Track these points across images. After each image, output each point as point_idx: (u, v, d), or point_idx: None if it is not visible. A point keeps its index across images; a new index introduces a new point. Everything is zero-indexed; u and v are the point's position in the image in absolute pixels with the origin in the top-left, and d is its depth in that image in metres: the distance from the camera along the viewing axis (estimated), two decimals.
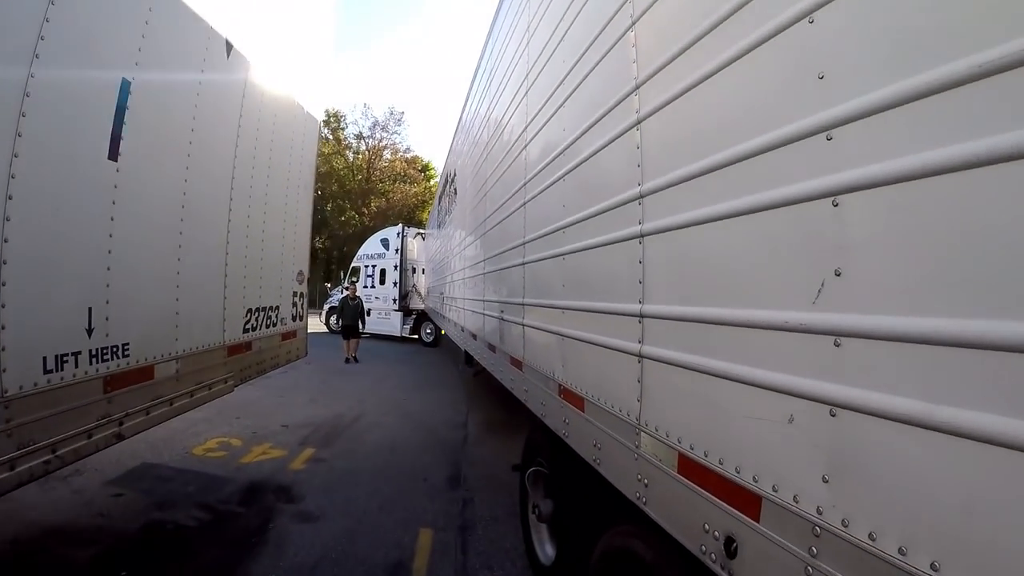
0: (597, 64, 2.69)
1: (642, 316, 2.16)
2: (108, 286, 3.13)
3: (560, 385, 3.16)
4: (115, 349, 3.21)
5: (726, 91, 1.69)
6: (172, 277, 3.80)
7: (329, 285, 26.12)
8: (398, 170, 44.22)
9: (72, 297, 2.90)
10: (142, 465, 5.77)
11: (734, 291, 1.61)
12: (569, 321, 3.05)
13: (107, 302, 3.12)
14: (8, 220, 2.42)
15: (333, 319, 20.07)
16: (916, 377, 1.07)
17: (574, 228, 2.98)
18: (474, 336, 6.85)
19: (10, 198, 2.42)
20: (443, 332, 14.83)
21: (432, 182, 42.53)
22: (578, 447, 2.87)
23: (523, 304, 4.07)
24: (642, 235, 2.18)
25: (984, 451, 0.94)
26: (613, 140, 2.47)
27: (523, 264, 4.09)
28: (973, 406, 0.96)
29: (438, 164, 39.12)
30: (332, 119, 43.27)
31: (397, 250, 19.87)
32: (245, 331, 4.90)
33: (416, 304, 19.85)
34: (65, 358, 2.83)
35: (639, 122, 2.21)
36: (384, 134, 45.05)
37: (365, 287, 19.86)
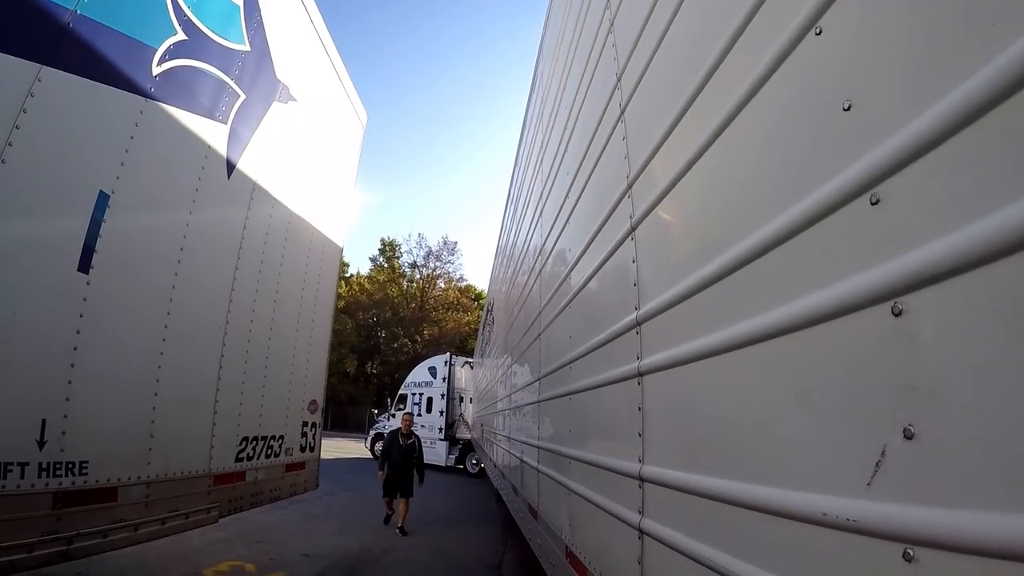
0: (594, 168, 2.47)
1: (642, 480, 1.73)
2: (68, 400, 2.84)
3: (566, 547, 2.74)
4: (70, 465, 2.88)
5: (720, 171, 1.35)
6: (148, 397, 3.48)
7: (376, 411, 25.66)
8: (451, 299, 44.96)
9: (23, 406, 2.62)
10: None
11: (751, 457, 1.13)
12: (575, 474, 2.64)
13: (65, 416, 2.83)
14: None
15: (378, 446, 19.52)
16: None
17: (578, 363, 2.63)
18: (503, 475, 6.43)
19: None
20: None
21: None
22: None
23: (537, 447, 3.73)
24: (640, 373, 1.78)
25: None
26: (611, 254, 2.16)
27: (538, 403, 3.81)
28: None
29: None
30: (387, 248, 45.12)
31: (444, 378, 19.43)
32: (238, 460, 4.50)
33: (463, 434, 19.18)
34: (9, 467, 2.53)
35: (633, 229, 1.87)
36: (438, 263, 46.41)
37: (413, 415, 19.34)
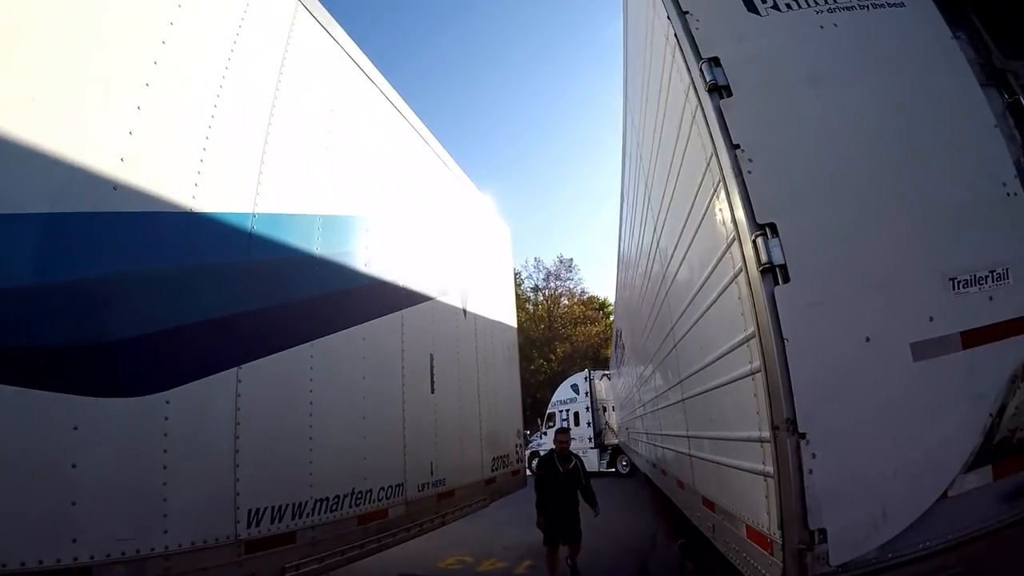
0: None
1: (762, 441, 2.77)
2: (436, 454, 6.24)
3: (702, 497, 4.36)
4: (439, 482, 6.25)
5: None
6: (461, 443, 6.93)
7: (528, 432, 28.38)
8: (577, 314, 47.62)
9: (424, 458, 6.02)
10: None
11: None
12: (712, 448, 3.98)
13: (433, 460, 6.21)
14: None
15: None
16: None
17: (713, 366, 3.67)
18: (652, 464, 8.87)
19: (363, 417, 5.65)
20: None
21: (611, 318, 45.52)
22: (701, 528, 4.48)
23: (687, 436, 5.10)
24: (752, 373, 2.77)
25: None
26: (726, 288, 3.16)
27: (682, 400, 5.02)
28: None
29: (612, 296, 42.20)
30: None
31: (587, 393, 22.26)
32: (493, 470, 7.88)
33: (610, 440, 21.79)
34: (422, 487, 5.91)
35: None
36: (558, 282, 49.58)
37: None
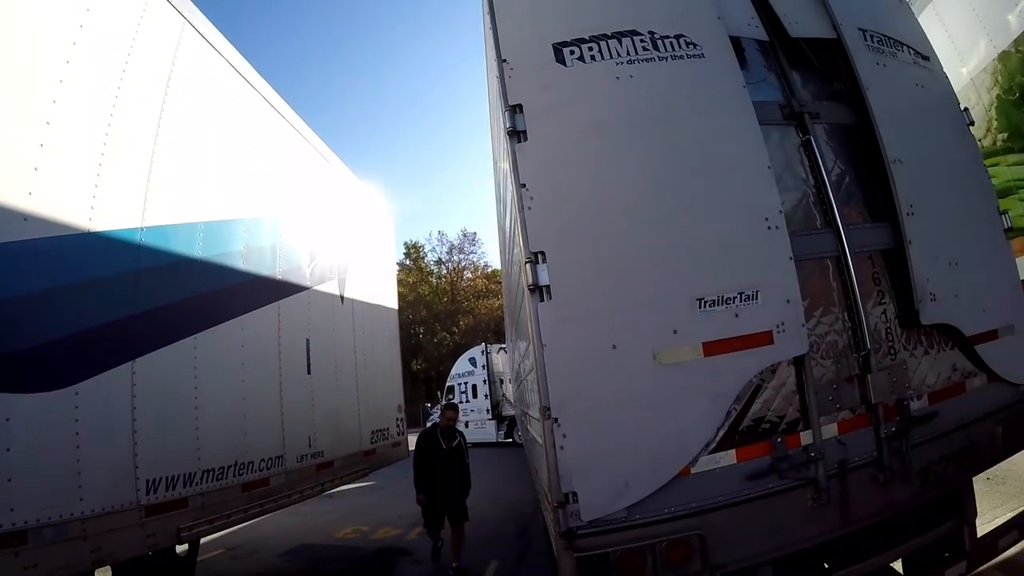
0: None
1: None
2: (314, 425, 6.98)
3: (535, 467, 5.59)
4: (318, 453, 6.98)
5: None
6: (341, 419, 7.69)
7: (429, 404, 29.24)
8: (480, 287, 48.62)
9: (302, 432, 6.74)
10: (301, 545, 9.20)
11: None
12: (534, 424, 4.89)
13: (314, 432, 6.94)
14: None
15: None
16: None
17: (524, 358, 5.43)
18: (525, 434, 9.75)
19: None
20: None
21: None
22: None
23: (525, 413, 6.48)
24: (533, 369, 3.36)
25: None
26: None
27: (523, 379, 5.80)
28: None
29: None
30: (412, 250, 49.35)
31: (483, 366, 23.25)
32: (372, 442, 8.69)
33: (507, 411, 22.57)
34: (301, 458, 6.65)
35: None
36: (461, 255, 50.61)
37: (462, 402, 22.81)
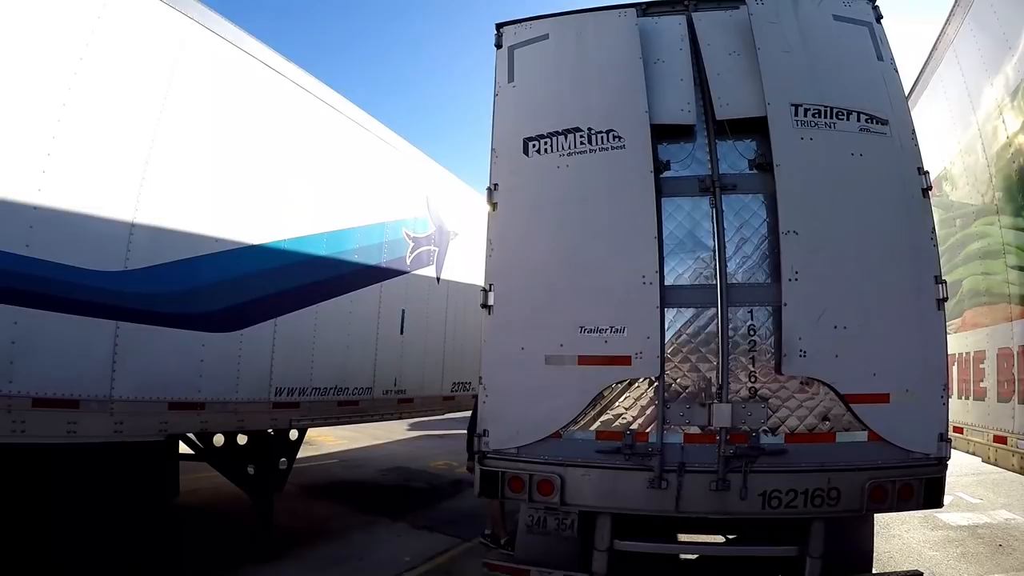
0: None
1: None
2: (400, 370, 9.65)
3: None
4: (401, 391, 9.58)
5: None
6: (425, 367, 10.37)
7: None
8: None
9: (390, 374, 9.42)
10: (399, 466, 12.15)
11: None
12: None
13: (400, 375, 9.61)
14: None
15: None
16: None
17: None
18: None
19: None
20: None
21: None
22: None
23: None
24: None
25: None
26: None
27: None
28: None
29: None
30: None
31: None
32: (453, 390, 11.20)
33: None
34: (388, 391, 9.33)
35: None
36: None
37: None
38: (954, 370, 6.27)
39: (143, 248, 4.97)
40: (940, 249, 4.41)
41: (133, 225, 4.92)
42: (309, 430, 7.90)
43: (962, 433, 6.02)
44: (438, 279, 10.86)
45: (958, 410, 6.04)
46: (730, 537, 4.80)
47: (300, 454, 7.84)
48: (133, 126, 5.00)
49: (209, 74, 5.84)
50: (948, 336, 5.40)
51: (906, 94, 4.84)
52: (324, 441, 14.50)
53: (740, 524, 4.52)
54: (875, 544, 4.40)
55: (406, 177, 9.90)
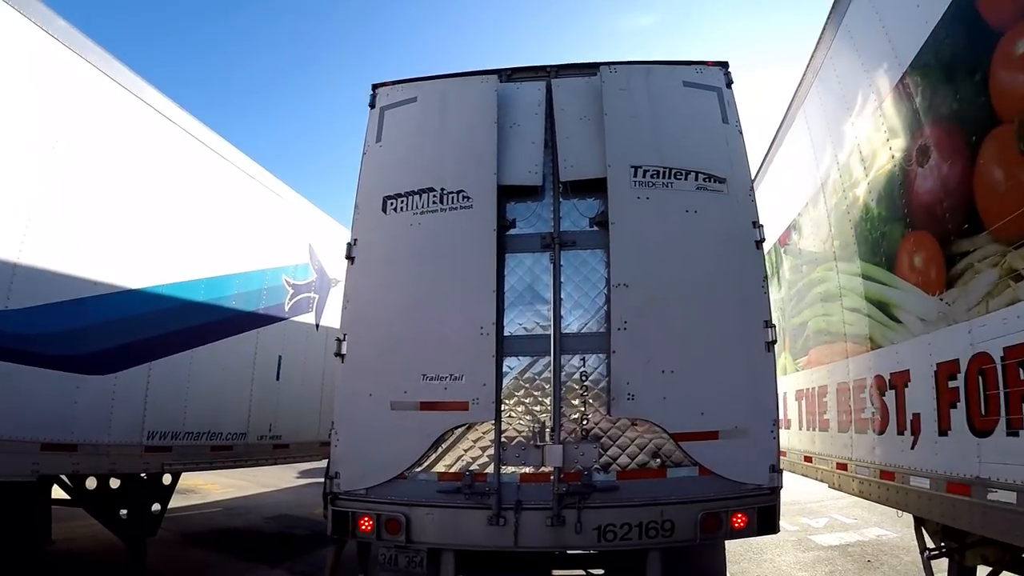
0: None
1: None
2: (276, 416, 9.79)
3: None
4: (277, 436, 9.68)
5: None
6: (309, 413, 10.52)
7: None
8: None
9: (265, 419, 9.56)
10: (283, 514, 12.10)
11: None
12: None
13: (275, 421, 9.72)
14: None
15: None
16: None
17: None
18: None
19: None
20: None
21: None
22: None
23: None
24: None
25: None
26: None
27: None
28: None
29: None
30: None
31: None
32: (329, 436, 11.46)
33: None
34: (263, 436, 9.43)
35: None
36: None
37: None
38: (803, 404, 6.96)
39: (24, 289, 5.17)
40: (791, 292, 5.01)
41: (16, 266, 5.06)
42: (197, 479, 7.96)
43: (811, 462, 6.51)
44: (317, 326, 11.15)
45: (807, 441, 6.75)
46: (595, 573, 5.12)
47: (184, 502, 7.90)
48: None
49: (89, 112, 6.01)
50: (799, 373, 6.31)
51: (767, 149, 5.73)
52: (210, 489, 14.10)
53: (604, 557, 4.79)
54: (746, 568, 4.78)
55: (289, 225, 10.28)
